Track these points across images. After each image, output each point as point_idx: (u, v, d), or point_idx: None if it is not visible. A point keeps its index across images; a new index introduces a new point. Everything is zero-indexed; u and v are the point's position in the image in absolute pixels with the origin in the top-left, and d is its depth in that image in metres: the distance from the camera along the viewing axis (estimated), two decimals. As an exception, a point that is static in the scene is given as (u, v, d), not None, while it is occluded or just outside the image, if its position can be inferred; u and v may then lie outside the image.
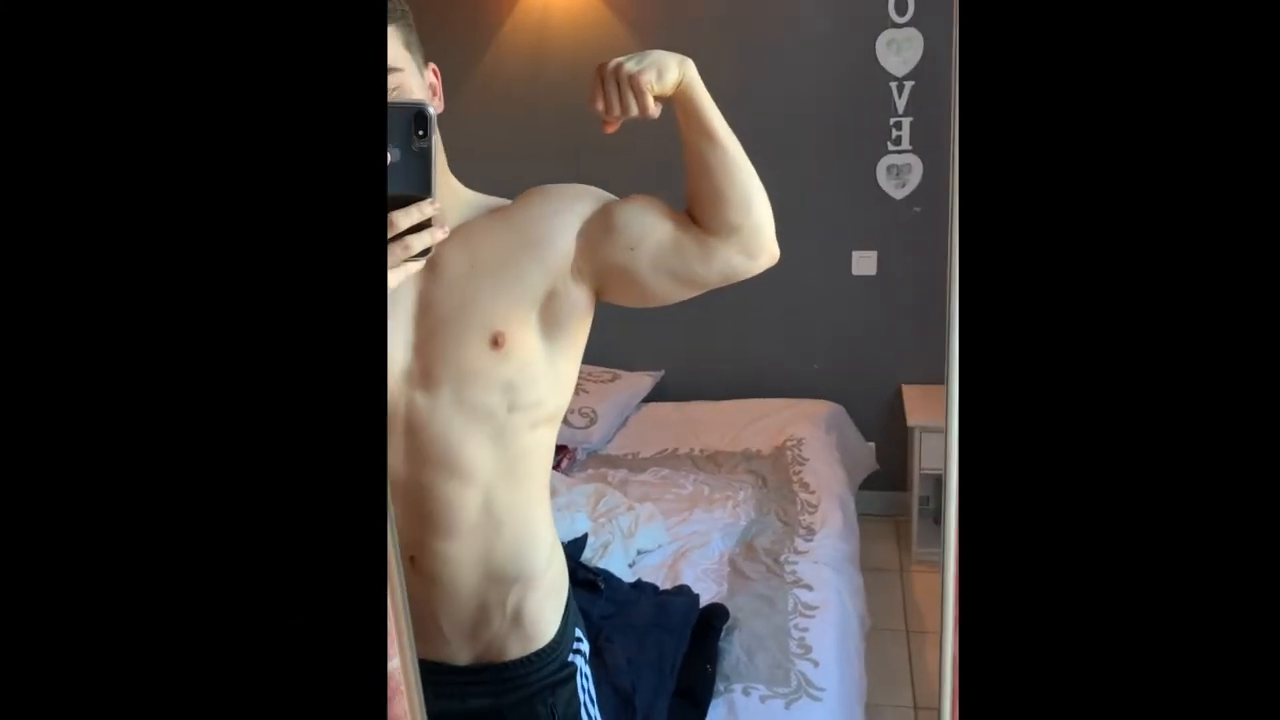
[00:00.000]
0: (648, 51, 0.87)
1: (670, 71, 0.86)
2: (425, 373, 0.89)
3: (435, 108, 0.87)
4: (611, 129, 0.88)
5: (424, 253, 0.75)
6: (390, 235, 0.72)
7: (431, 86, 0.88)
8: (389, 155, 0.72)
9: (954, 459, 0.62)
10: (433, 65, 0.89)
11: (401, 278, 0.74)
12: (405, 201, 0.74)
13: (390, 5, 0.82)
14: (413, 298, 0.90)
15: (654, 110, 0.85)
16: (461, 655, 1.00)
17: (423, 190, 0.75)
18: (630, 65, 0.85)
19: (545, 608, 1.01)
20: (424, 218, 0.74)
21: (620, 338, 2.80)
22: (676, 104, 0.89)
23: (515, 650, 1.00)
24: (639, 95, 0.84)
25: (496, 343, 0.89)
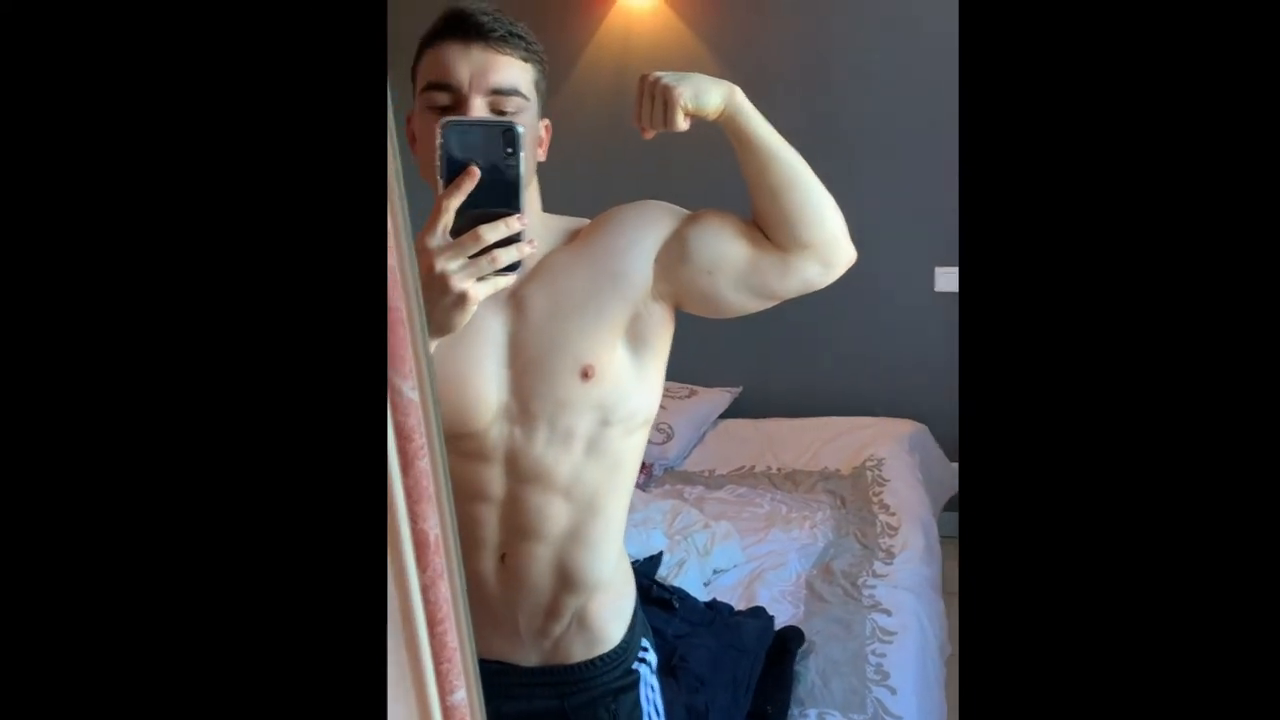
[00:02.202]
0: (692, 74, 0.91)
1: (710, 95, 0.89)
2: (522, 409, 0.93)
3: (538, 157, 0.93)
4: (647, 135, 0.93)
5: (512, 267, 0.75)
6: (476, 249, 0.73)
7: (539, 139, 0.93)
8: (478, 172, 0.74)
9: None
10: (547, 121, 0.94)
11: (489, 291, 0.74)
12: (493, 217, 0.74)
13: (530, 45, 0.88)
14: (504, 340, 0.93)
15: (681, 125, 0.90)
16: (531, 656, 1.03)
17: (510, 206, 0.75)
18: (667, 79, 0.89)
19: (610, 612, 1.04)
20: (510, 233, 0.74)
21: (698, 353, 2.79)
22: (726, 130, 0.92)
23: (580, 653, 1.03)
24: (669, 109, 0.88)
25: (586, 374, 0.92)
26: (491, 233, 0.73)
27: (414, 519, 0.44)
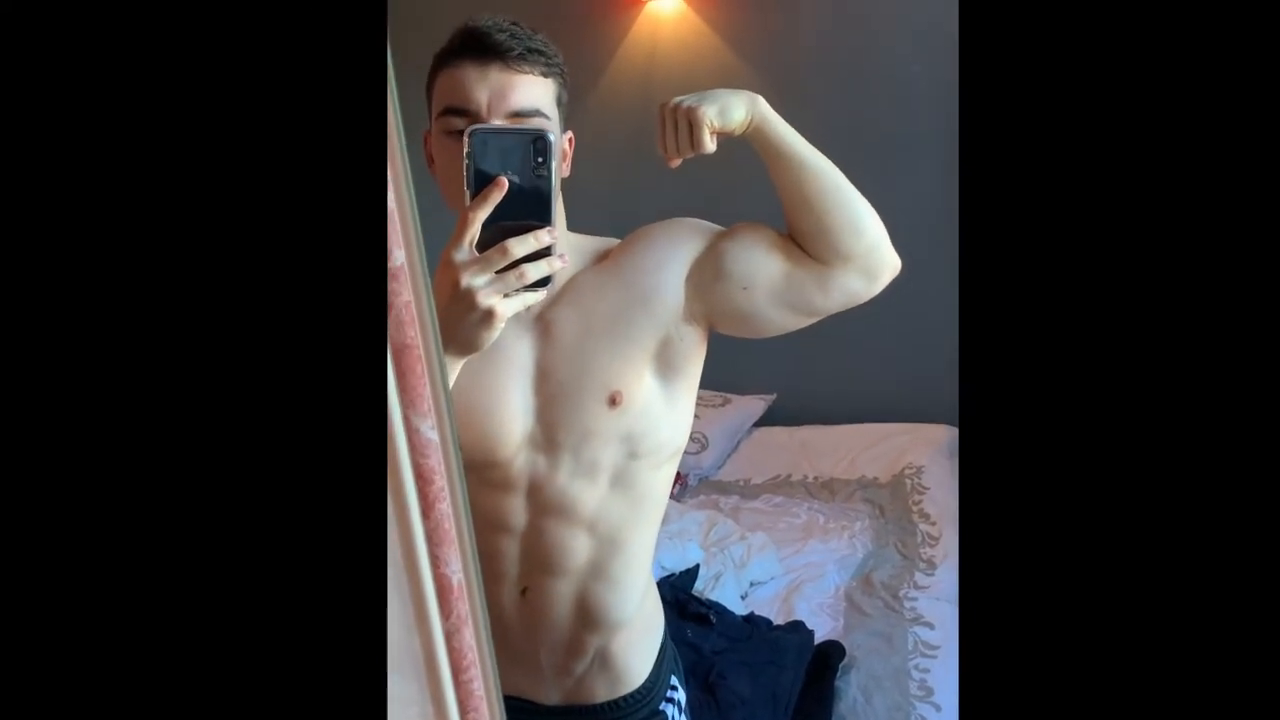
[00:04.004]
0: (711, 91, 0.87)
1: (735, 109, 0.86)
2: (547, 437, 0.90)
3: (562, 172, 0.89)
4: (674, 163, 0.90)
5: (542, 282, 0.72)
6: (504, 264, 0.70)
7: (563, 153, 0.90)
8: (506, 182, 0.71)
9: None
10: (570, 134, 0.91)
11: (517, 308, 0.71)
12: (522, 230, 0.71)
13: (550, 59, 0.85)
14: (530, 364, 0.90)
15: (709, 146, 0.86)
16: (552, 694, 1.00)
17: (540, 219, 0.72)
18: (689, 101, 0.86)
19: (634, 651, 1.00)
20: (540, 246, 0.71)
21: (731, 361, 2.76)
22: (754, 143, 0.89)
23: (603, 693, 1.00)
24: (695, 130, 0.85)
25: (614, 401, 0.89)
26: (520, 246, 0.70)
27: (435, 563, 0.42)
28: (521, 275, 0.70)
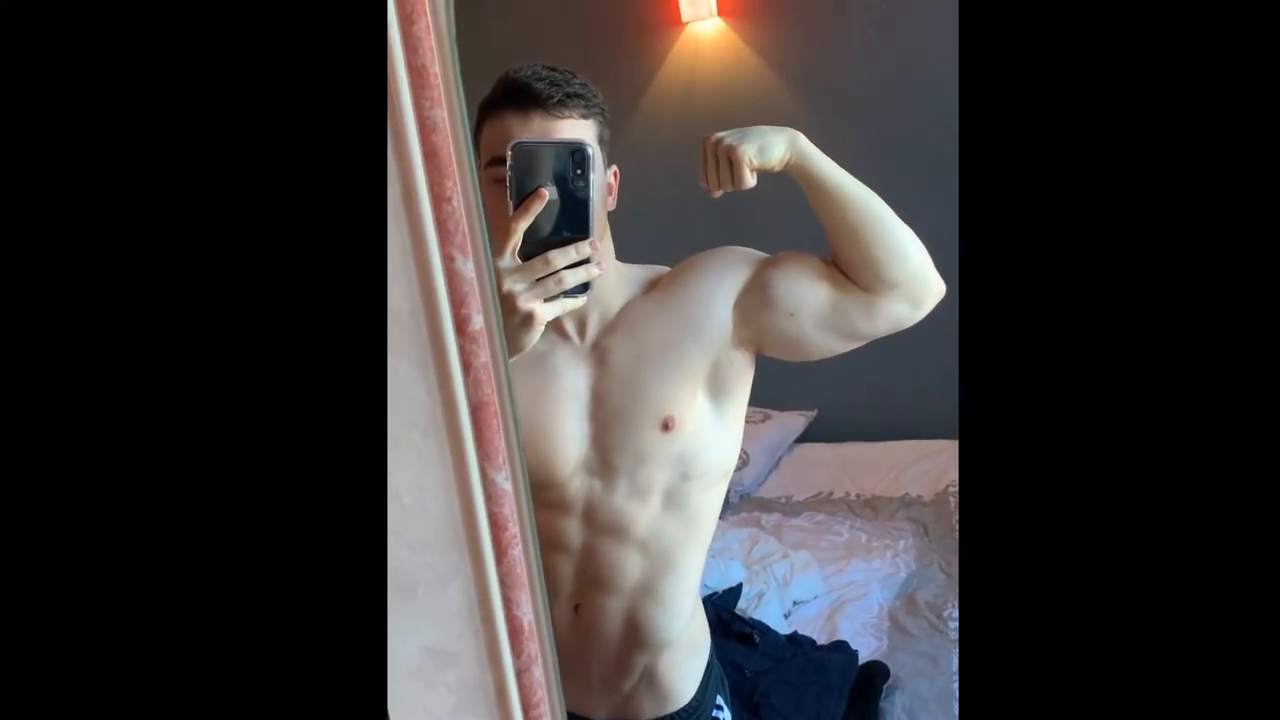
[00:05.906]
0: (753, 128, 0.90)
1: (775, 147, 0.88)
2: (603, 461, 0.93)
3: (608, 205, 0.93)
4: (715, 195, 0.93)
5: (582, 288, 0.75)
6: (545, 271, 0.74)
7: (609, 185, 0.93)
8: (547, 194, 0.74)
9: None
10: (614, 168, 0.95)
11: (557, 312, 0.75)
12: (563, 242, 0.75)
13: (589, 101, 0.89)
14: (586, 391, 0.94)
15: (749, 182, 0.89)
16: (601, 709, 1.03)
17: (580, 228, 0.75)
18: (730, 139, 0.89)
19: (680, 670, 1.03)
20: (580, 258, 0.75)
21: (771, 376, 2.76)
22: (796, 178, 0.91)
23: (649, 710, 1.02)
24: (735, 167, 0.88)
25: (667, 426, 0.92)
26: (561, 258, 0.74)
27: (508, 605, 0.45)
28: (560, 281, 0.74)
